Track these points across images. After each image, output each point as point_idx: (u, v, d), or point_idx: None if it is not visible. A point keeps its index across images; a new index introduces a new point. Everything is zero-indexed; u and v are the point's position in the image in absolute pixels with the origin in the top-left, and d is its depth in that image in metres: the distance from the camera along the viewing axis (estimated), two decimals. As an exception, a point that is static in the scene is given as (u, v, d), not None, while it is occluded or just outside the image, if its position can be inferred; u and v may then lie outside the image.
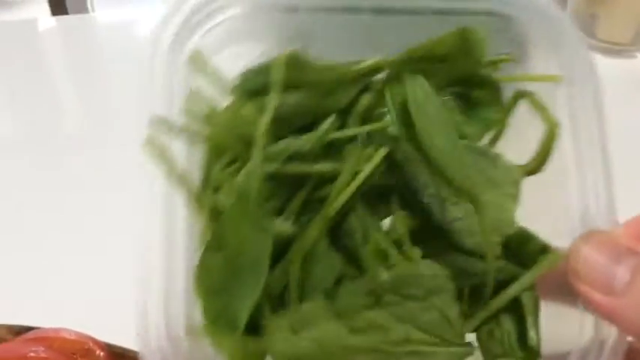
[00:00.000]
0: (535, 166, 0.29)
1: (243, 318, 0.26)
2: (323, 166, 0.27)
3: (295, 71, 0.26)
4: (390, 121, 0.29)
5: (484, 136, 0.31)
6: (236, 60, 0.28)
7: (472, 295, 0.30)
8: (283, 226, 0.26)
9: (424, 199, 0.29)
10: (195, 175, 0.27)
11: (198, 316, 0.26)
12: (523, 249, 0.28)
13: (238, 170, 0.27)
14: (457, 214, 0.28)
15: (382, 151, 0.27)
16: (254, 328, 0.27)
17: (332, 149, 0.28)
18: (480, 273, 0.28)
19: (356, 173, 0.27)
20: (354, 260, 0.27)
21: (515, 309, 0.29)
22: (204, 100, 0.26)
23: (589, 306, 0.25)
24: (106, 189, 0.54)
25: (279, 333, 0.26)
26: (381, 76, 0.30)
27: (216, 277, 0.26)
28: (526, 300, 0.28)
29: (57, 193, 0.55)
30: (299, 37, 0.29)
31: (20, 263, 0.50)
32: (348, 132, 0.28)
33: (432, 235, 0.29)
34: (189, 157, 0.26)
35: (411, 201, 0.29)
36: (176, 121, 0.25)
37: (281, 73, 0.26)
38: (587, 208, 0.27)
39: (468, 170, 0.27)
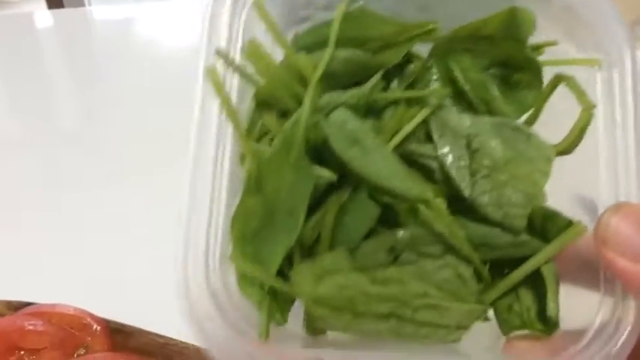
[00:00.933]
0: (568, 146, 0.30)
1: (275, 264, 0.27)
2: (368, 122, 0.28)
3: (351, 27, 0.27)
4: (439, 90, 0.30)
5: (522, 116, 0.32)
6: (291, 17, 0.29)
7: (494, 268, 0.31)
8: (325, 172, 0.26)
9: (455, 171, 0.30)
10: (244, 119, 0.28)
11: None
12: (547, 226, 0.29)
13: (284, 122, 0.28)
14: (486, 187, 0.29)
15: (424, 112, 0.28)
16: (283, 274, 0.28)
17: (375, 108, 0.29)
18: (504, 246, 0.29)
19: (396, 132, 0.28)
20: (388, 216, 0.28)
21: (536, 284, 0.29)
22: (262, 48, 0.27)
23: (614, 273, 0.26)
24: (100, 180, 0.56)
25: (304, 278, 0.27)
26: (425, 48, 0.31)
27: (252, 221, 0.27)
28: (547, 272, 0.28)
29: (53, 189, 0.56)
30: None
31: (19, 242, 0.51)
32: (393, 94, 0.29)
33: (462, 206, 0.30)
34: (240, 100, 0.27)
35: (445, 172, 0.30)
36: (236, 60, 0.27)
37: (337, 28, 0.27)
38: (617, 190, 0.28)
39: (405, 180, 0.28)
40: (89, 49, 0.75)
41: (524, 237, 0.29)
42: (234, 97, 0.28)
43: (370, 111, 0.30)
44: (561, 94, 0.31)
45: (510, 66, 0.32)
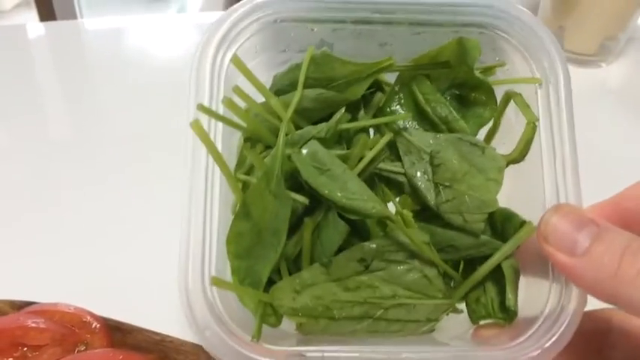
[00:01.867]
0: (517, 156, 0.33)
1: (264, 277, 0.31)
2: (335, 151, 0.32)
3: (318, 69, 0.32)
4: (399, 115, 0.34)
5: (479, 131, 0.36)
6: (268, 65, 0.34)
7: (467, 266, 0.35)
8: (299, 197, 0.31)
9: (421, 184, 0.34)
10: (232, 157, 0.33)
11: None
12: (506, 225, 0.33)
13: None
14: (448, 196, 0.33)
15: (386, 138, 0.32)
16: (274, 283, 0.32)
17: (344, 138, 0.34)
18: (467, 247, 0.33)
19: (361, 157, 0.32)
20: (361, 230, 0.33)
21: (499, 279, 0.33)
22: (243, 96, 0.32)
23: (554, 265, 0.29)
24: (94, 193, 0.57)
25: (284, 293, 0.31)
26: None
27: (244, 242, 0.32)
28: (506, 268, 0.32)
29: (49, 195, 0.57)
30: (321, 45, 0.35)
31: (22, 245, 0.53)
32: (360, 123, 0.34)
33: (429, 214, 0.34)
34: (225, 142, 0.32)
35: (412, 185, 0.34)
36: (218, 111, 0.31)
37: (305, 71, 0.32)
38: (558, 193, 0.31)
39: (367, 201, 0.30)
40: (81, 61, 0.75)
41: (484, 238, 0.33)
42: (220, 140, 0.32)
43: (343, 139, 0.34)
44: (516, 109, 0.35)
45: (466, 87, 0.36)
